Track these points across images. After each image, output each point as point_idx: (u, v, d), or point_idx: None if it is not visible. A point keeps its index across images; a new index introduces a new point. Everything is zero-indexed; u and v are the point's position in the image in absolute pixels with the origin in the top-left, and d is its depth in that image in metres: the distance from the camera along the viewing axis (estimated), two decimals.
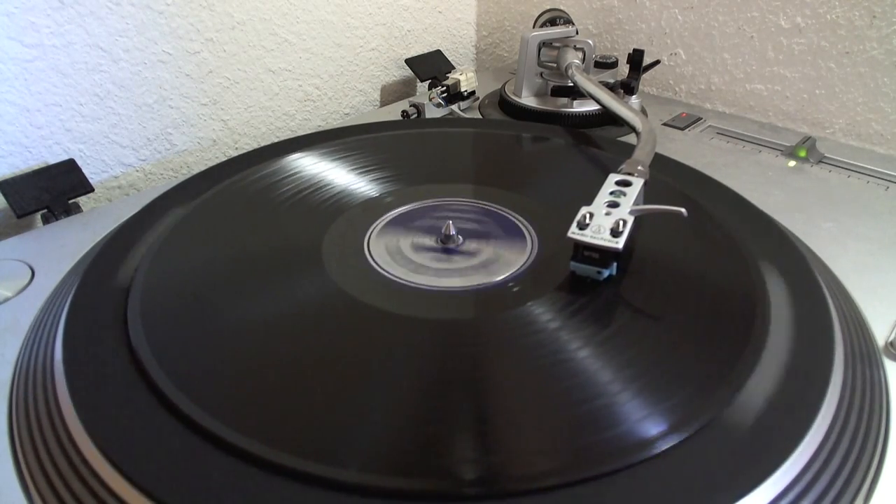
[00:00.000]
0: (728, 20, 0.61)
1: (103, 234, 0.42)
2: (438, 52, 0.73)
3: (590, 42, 0.58)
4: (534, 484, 0.23)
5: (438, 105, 0.59)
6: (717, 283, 0.33)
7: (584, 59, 0.58)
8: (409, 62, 0.69)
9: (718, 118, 0.61)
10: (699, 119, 0.60)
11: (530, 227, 0.39)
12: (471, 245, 0.37)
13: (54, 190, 0.46)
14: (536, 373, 0.27)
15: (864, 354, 0.30)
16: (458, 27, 0.80)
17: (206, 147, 0.60)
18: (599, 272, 0.33)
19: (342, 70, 0.68)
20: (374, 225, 0.39)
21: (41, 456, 0.25)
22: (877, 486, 0.25)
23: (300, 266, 0.35)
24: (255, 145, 0.63)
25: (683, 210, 0.33)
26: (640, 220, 0.36)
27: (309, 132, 0.53)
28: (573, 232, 0.33)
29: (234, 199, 0.42)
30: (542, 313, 0.31)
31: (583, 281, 0.33)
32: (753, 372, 0.27)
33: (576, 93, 0.57)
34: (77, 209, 0.46)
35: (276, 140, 0.56)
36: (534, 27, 0.66)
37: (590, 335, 0.30)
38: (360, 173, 0.45)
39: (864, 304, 0.35)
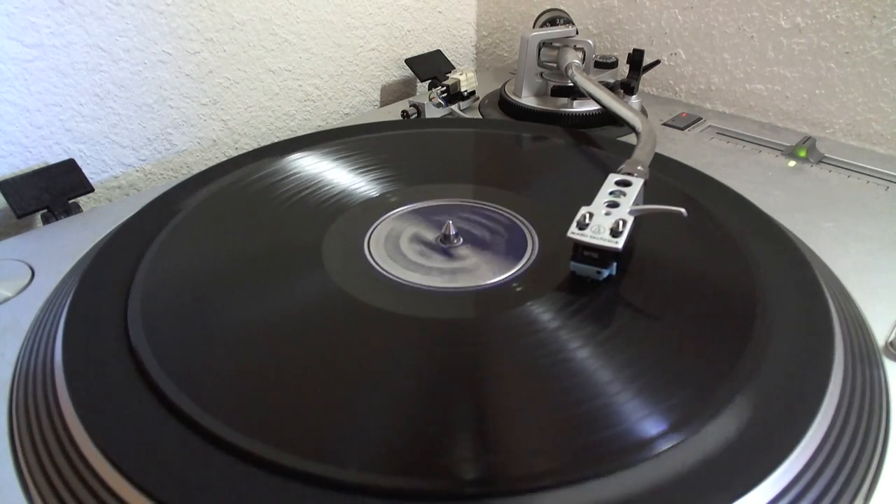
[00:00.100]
0: (728, 20, 0.61)
1: (103, 234, 0.42)
2: (438, 52, 0.73)
3: (590, 42, 0.58)
4: (533, 484, 0.23)
5: (438, 105, 0.59)
6: (717, 283, 0.33)
7: (584, 59, 0.58)
8: (409, 62, 0.69)
9: (718, 118, 0.61)
10: (699, 119, 0.60)
11: (530, 227, 0.39)
12: (471, 245, 0.37)
13: (54, 190, 0.46)
14: (536, 373, 0.27)
15: (864, 354, 0.30)
16: (458, 27, 0.80)
17: (206, 147, 0.60)
18: (599, 272, 0.33)
19: (342, 70, 0.68)
20: (374, 225, 0.39)
21: (41, 456, 0.25)
22: (877, 485, 0.25)
23: (300, 266, 0.35)
24: (256, 145, 0.63)
25: (683, 210, 0.33)
26: (640, 220, 0.36)
27: (309, 132, 0.53)
28: (573, 232, 0.33)
29: (234, 199, 0.42)
30: (542, 313, 0.31)
31: (582, 281, 0.33)
32: (753, 372, 0.27)
33: (576, 93, 0.57)
34: (77, 209, 0.46)
35: (276, 140, 0.56)
36: (534, 27, 0.66)
37: (590, 335, 0.30)
38: (361, 173, 0.45)
39: (864, 304, 0.35)
